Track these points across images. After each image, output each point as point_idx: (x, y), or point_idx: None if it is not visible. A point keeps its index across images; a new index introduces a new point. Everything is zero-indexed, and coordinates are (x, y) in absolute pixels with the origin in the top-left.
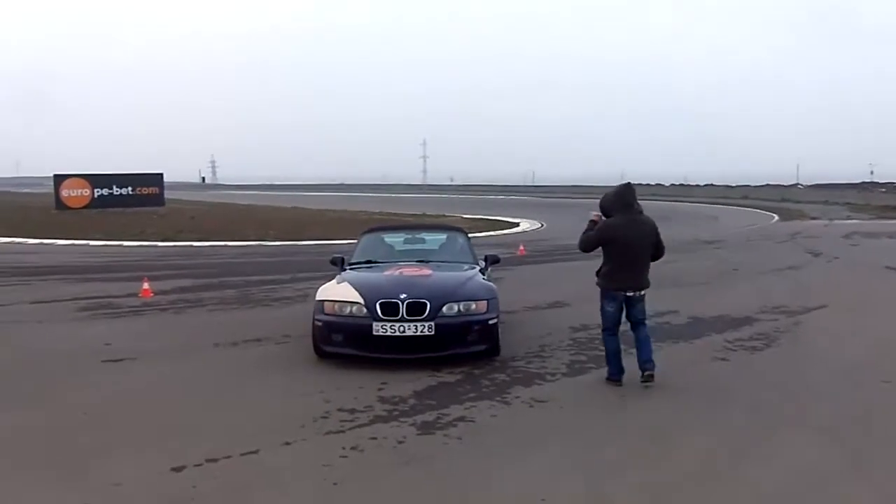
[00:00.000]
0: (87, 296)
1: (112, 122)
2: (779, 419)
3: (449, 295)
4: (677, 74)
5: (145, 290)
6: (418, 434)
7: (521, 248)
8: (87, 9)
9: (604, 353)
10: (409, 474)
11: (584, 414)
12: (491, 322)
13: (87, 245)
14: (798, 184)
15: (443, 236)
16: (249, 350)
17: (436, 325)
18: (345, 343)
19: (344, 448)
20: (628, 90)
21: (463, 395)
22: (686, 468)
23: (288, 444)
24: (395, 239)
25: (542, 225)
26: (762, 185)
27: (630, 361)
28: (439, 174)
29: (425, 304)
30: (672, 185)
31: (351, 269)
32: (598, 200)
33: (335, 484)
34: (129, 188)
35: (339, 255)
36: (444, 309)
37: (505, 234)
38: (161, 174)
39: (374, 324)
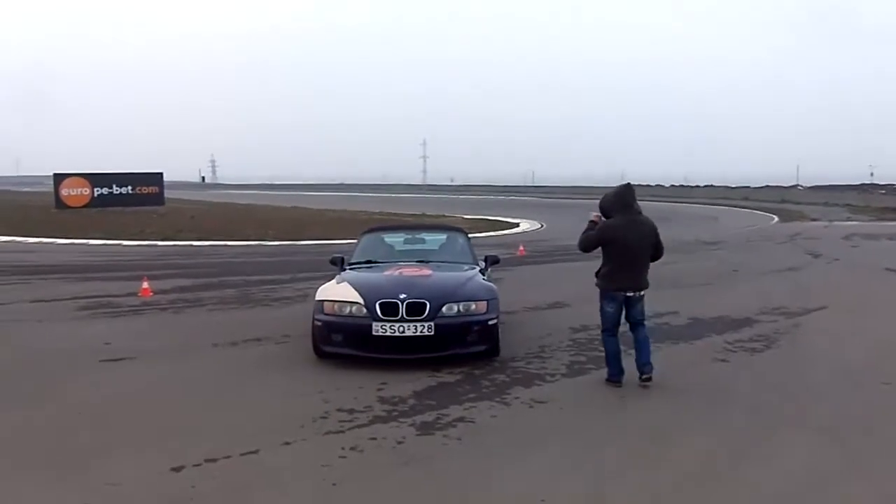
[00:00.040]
0: (87, 295)
1: (112, 121)
2: (779, 420)
3: (449, 295)
4: (677, 75)
5: (145, 289)
6: (418, 434)
7: (521, 248)
8: (87, 9)
9: (603, 354)
10: (408, 475)
11: (584, 415)
12: (491, 322)
13: (87, 244)
14: (798, 185)
15: (443, 236)
16: (249, 350)
17: (435, 325)
18: (344, 343)
19: (343, 448)
20: (628, 90)
21: (462, 396)
22: (686, 469)
23: (287, 444)
24: (394, 239)
25: (542, 225)
26: (762, 187)
27: (630, 362)
28: (439, 174)
29: (425, 305)
30: (672, 185)
31: (351, 269)
32: (598, 201)
33: (334, 484)
34: (129, 187)
35: (338, 255)
36: (444, 309)
37: (505, 235)
38: (161, 173)
39: (374, 324)
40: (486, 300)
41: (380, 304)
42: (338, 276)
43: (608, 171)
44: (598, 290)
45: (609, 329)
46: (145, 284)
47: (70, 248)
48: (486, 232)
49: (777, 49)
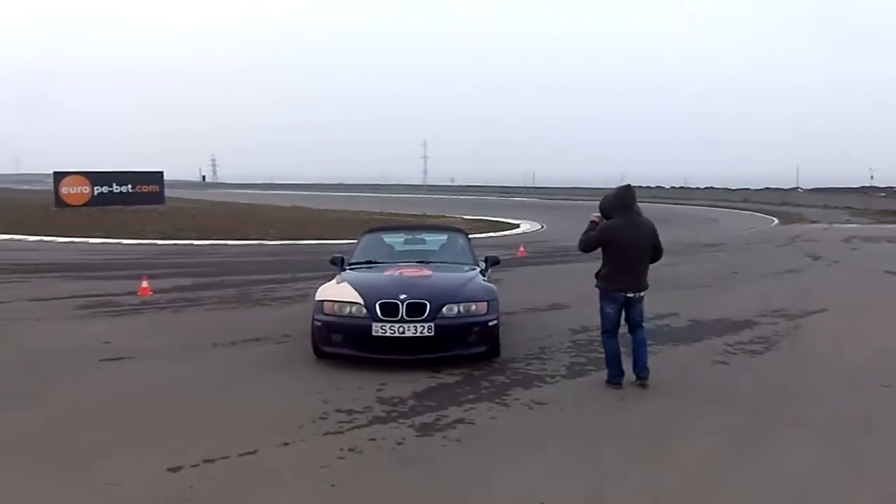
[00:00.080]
0: (87, 294)
1: (112, 121)
2: (778, 422)
3: (449, 296)
4: (677, 75)
5: (144, 288)
6: (417, 435)
7: (522, 249)
8: (87, 9)
9: (603, 356)
10: (407, 476)
11: (584, 416)
12: (491, 323)
13: (87, 243)
14: (798, 187)
15: (443, 237)
16: (248, 349)
17: (435, 326)
18: (344, 343)
19: (342, 449)
20: (628, 90)
21: (462, 397)
22: (686, 469)
23: (286, 444)
24: (395, 239)
25: (543, 226)
26: (762, 189)
27: (629, 364)
28: (440, 175)
29: (425, 305)
30: (672, 187)
31: (351, 269)
32: (598, 202)
33: (333, 485)
34: (129, 186)
35: (338, 255)
36: (444, 310)
37: (505, 236)
38: (161, 172)
39: (374, 324)
40: (487, 301)
41: (380, 305)
42: (338, 276)
43: (608, 173)
44: (598, 291)
45: (609, 330)
46: (145, 283)
47: (70, 247)
48: (486, 233)
49: (777, 50)
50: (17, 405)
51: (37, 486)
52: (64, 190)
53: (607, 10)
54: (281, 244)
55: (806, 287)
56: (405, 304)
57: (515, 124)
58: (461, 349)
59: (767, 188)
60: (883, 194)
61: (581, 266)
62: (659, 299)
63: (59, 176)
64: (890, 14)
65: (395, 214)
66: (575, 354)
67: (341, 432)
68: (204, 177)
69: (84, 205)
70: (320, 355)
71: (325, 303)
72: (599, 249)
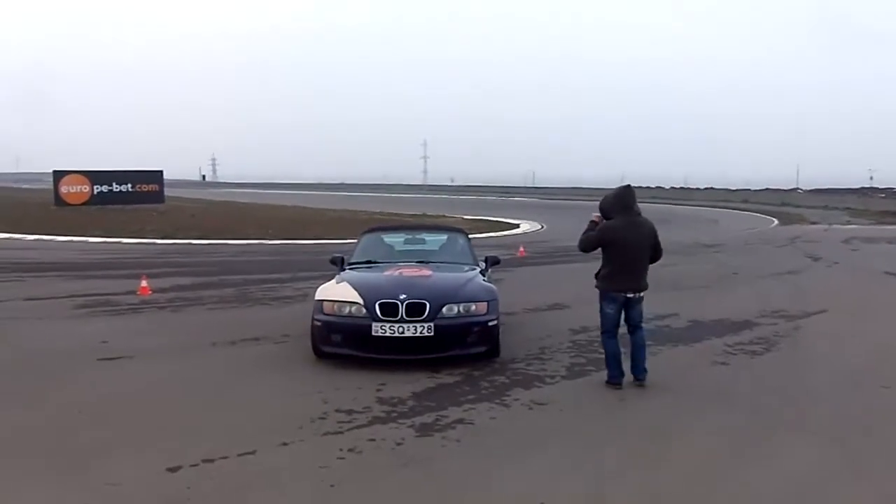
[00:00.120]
0: (86, 293)
1: (112, 121)
2: (778, 422)
3: (449, 296)
4: (677, 75)
5: (144, 287)
6: (417, 436)
7: (522, 249)
8: (87, 9)
9: (603, 356)
10: (407, 476)
11: (584, 416)
12: (491, 323)
13: (86, 242)
14: (798, 188)
15: (443, 237)
16: (248, 349)
17: (435, 326)
18: (343, 343)
19: (342, 449)
20: (628, 90)
21: (462, 397)
22: (686, 470)
23: (285, 444)
24: (395, 239)
25: (543, 226)
26: (762, 189)
27: (628, 364)
28: (440, 175)
29: (425, 305)
30: (672, 188)
31: (350, 268)
32: (598, 202)
33: (332, 485)
34: (129, 185)
35: (338, 255)
36: (444, 310)
37: (505, 236)
38: (161, 171)
39: (374, 324)
40: (487, 301)
41: (379, 305)
42: (337, 276)
43: (608, 173)
44: (597, 291)
45: (609, 331)
46: (144, 283)
47: (69, 246)
48: (486, 233)
49: (777, 50)
50: (16, 405)
51: (37, 486)
52: (63, 189)
53: (607, 10)
54: (281, 244)
55: (806, 288)
56: (405, 304)
57: (515, 124)
58: (461, 349)
59: (767, 189)
60: (882, 195)
61: (581, 266)
62: (659, 300)
63: (58, 175)
64: (890, 14)
65: (395, 214)
66: (575, 355)
67: (341, 432)
68: (204, 176)
69: (83, 204)
70: (320, 355)
71: (325, 302)
72: (599, 250)
